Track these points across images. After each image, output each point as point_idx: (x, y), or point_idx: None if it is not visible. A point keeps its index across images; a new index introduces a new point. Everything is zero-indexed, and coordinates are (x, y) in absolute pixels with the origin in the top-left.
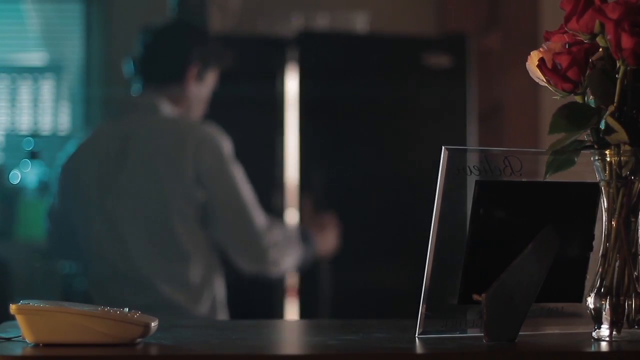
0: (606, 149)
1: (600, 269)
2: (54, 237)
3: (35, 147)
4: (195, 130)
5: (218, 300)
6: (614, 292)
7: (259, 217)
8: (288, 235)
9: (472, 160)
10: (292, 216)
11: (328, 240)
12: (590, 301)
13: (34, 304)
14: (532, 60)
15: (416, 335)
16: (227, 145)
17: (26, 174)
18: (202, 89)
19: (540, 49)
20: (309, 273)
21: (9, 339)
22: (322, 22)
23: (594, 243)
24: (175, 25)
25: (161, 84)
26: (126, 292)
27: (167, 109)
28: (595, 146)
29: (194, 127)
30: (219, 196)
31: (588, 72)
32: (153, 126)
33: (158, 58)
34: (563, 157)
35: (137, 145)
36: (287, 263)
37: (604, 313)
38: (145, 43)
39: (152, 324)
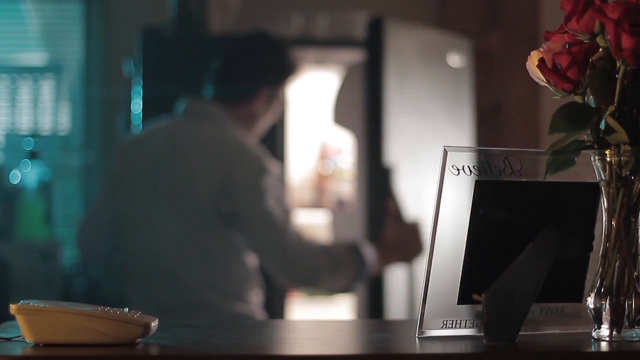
0: (606, 149)
1: (600, 269)
2: (87, 231)
3: (35, 147)
4: (243, 148)
5: (254, 303)
6: (614, 292)
7: (291, 239)
8: (335, 255)
9: (472, 160)
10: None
11: (413, 249)
12: (590, 301)
13: (34, 304)
14: (532, 60)
15: (416, 335)
16: (260, 164)
17: (26, 174)
18: (266, 113)
19: (540, 49)
20: None
21: (9, 339)
22: (322, 22)
23: (594, 243)
24: (260, 41)
25: (230, 102)
26: (162, 292)
27: (229, 123)
28: (595, 146)
29: (244, 145)
30: (246, 212)
31: (588, 72)
32: (207, 134)
33: (234, 77)
34: (563, 157)
35: (185, 148)
36: (341, 283)
37: (604, 313)
38: (225, 56)
39: (152, 324)
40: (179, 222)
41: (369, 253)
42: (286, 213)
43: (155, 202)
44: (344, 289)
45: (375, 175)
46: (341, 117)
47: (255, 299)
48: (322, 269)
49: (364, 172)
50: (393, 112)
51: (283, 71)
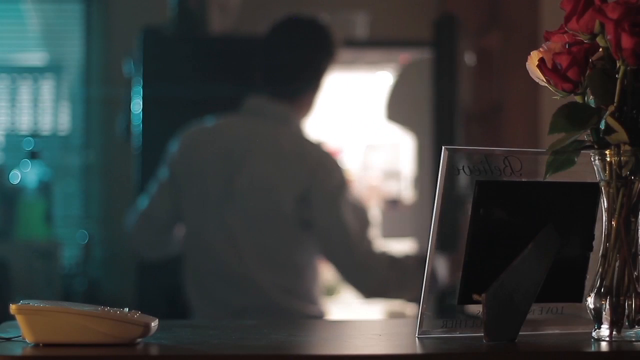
0: (606, 149)
1: (600, 269)
2: (143, 230)
3: (35, 147)
4: (316, 152)
5: (323, 304)
6: (614, 292)
7: (363, 252)
8: (405, 268)
9: (472, 160)
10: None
11: None
12: (590, 301)
13: (34, 304)
14: (532, 60)
15: (416, 335)
16: (341, 174)
17: (26, 174)
18: (319, 93)
19: (540, 49)
20: None
21: (9, 339)
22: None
23: (594, 243)
24: (308, 26)
25: (295, 95)
26: (232, 293)
27: (297, 122)
28: (595, 146)
29: (317, 149)
30: (323, 221)
31: (588, 72)
32: (281, 137)
33: (296, 69)
34: (563, 157)
35: (261, 151)
36: (411, 294)
37: (604, 313)
38: (279, 48)
39: (152, 324)
40: (254, 225)
41: (439, 265)
42: (363, 223)
43: (230, 203)
44: (414, 299)
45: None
46: (395, 114)
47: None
48: (391, 281)
49: (431, 171)
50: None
51: (331, 48)
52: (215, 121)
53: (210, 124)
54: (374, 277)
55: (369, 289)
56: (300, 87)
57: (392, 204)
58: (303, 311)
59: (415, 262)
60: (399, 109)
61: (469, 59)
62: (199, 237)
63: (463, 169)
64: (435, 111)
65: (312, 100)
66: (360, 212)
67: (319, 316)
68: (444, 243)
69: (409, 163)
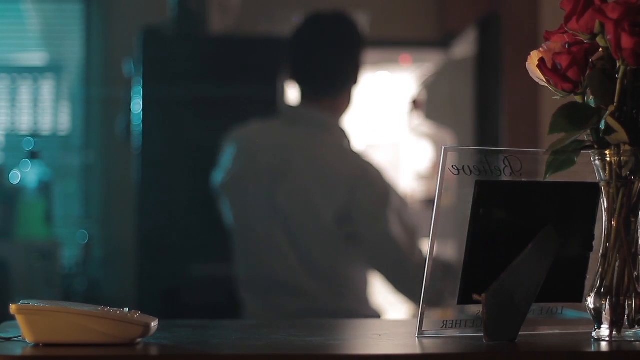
0: (606, 149)
1: (600, 269)
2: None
3: (35, 147)
4: (356, 164)
5: (366, 301)
6: (614, 292)
7: (413, 263)
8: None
9: (472, 160)
10: None
11: None
12: (590, 301)
13: (34, 304)
14: (532, 60)
15: (416, 335)
16: (383, 184)
17: (26, 174)
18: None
19: (540, 49)
20: None
21: (9, 339)
22: None
23: (594, 243)
24: (339, 24)
25: (334, 97)
26: (285, 299)
27: (338, 128)
28: (595, 146)
29: (357, 160)
30: (368, 235)
31: (588, 72)
32: (322, 146)
33: (332, 71)
34: (563, 157)
35: (302, 160)
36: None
37: (604, 313)
38: (314, 51)
39: (152, 324)
40: (298, 238)
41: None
42: (410, 231)
43: (273, 214)
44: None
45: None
46: (433, 113)
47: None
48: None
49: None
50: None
51: (361, 45)
52: (256, 129)
53: (253, 131)
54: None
55: (407, 289)
56: (340, 84)
57: (428, 204)
58: (357, 311)
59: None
60: (439, 107)
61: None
62: (249, 245)
63: (463, 169)
64: (477, 110)
65: (351, 94)
66: (408, 221)
67: (375, 316)
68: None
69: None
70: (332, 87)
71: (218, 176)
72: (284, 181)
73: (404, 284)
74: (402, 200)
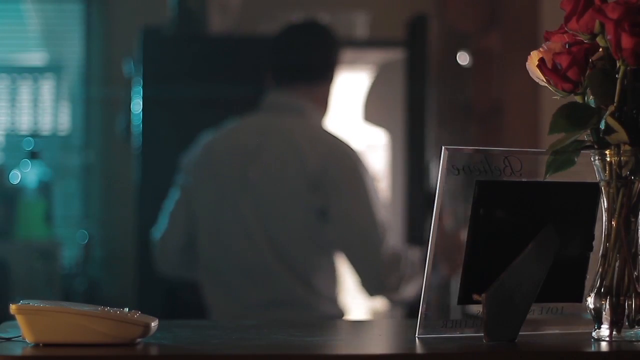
0: (606, 149)
1: (600, 269)
2: (168, 254)
3: (35, 147)
4: (334, 142)
5: (334, 299)
6: (614, 292)
7: (381, 243)
8: (413, 261)
9: (472, 160)
10: None
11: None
12: (590, 301)
13: (34, 304)
14: (532, 60)
15: (416, 335)
16: (357, 160)
17: (26, 174)
18: (333, 86)
19: (540, 49)
20: None
21: (9, 339)
22: (322, 22)
23: (594, 243)
24: (314, 25)
25: (310, 86)
26: (242, 285)
27: (314, 113)
28: (595, 146)
29: (334, 139)
30: (341, 213)
31: (588, 72)
32: (295, 129)
33: (308, 59)
34: (563, 157)
35: (275, 143)
36: (410, 291)
37: (604, 313)
38: (290, 43)
39: (152, 324)
40: (269, 217)
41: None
42: (379, 221)
43: (244, 195)
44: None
45: (416, 174)
46: (372, 114)
47: (341, 298)
48: (403, 280)
49: (401, 171)
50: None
51: (336, 42)
52: (233, 124)
53: (227, 126)
54: (393, 279)
55: (382, 289)
56: (316, 73)
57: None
58: (323, 309)
59: (416, 258)
60: (374, 109)
61: (463, 59)
62: (216, 235)
63: (463, 169)
64: (407, 111)
65: (327, 93)
66: (379, 211)
67: (339, 316)
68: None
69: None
70: (307, 75)
71: (180, 180)
72: (257, 160)
73: (369, 270)
74: (375, 189)
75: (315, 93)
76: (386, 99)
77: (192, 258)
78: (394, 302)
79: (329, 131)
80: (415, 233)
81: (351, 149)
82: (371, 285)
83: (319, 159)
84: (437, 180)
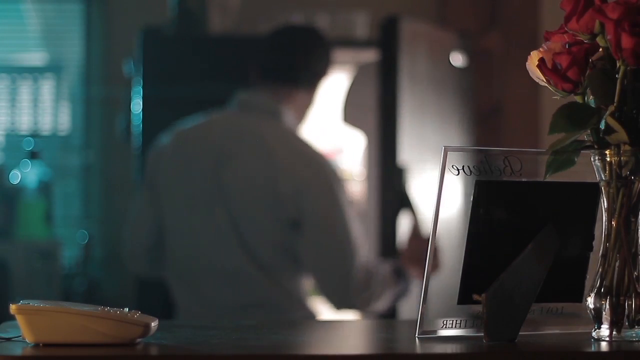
0: (606, 149)
1: (600, 269)
2: (138, 258)
3: (35, 147)
4: (307, 149)
5: (304, 301)
6: (614, 292)
7: (354, 259)
8: (385, 275)
9: (472, 160)
10: None
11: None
12: (590, 301)
13: (34, 304)
14: (532, 60)
15: (416, 335)
16: (333, 173)
17: (26, 174)
18: (314, 96)
19: (540, 49)
20: None
21: (9, 339)
22: (322, 22)
23: (594, 243)
24: (306, 30)
25: (290, 90)
26: (211, 287)
27: (289, 117)
28: (595, 146)
29: (307, 146)
30: (307, 219)
31: (588, 72)
32: (269, 132)
33: (295, 63)
34: (563, 157)
35: (249, 145)
36: (381, 305)
37: (604, 313)
38: (278, 45)
39: (152, 324)
40: (242, 222)
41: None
42: (352, 236)
43: (218, 199)
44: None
45: (389, 176)
46: (351, 116)
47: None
48: (374, 296)
49: (375, 173)
50: (404, 112)
51: (326, 57)
52: (204, 118)
53: (198, 121)
54: (362, 297)
55: (351, 305)
56: (292, 81)
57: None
58: (295, 312)
59: (390, 273)
60: (353, 111)
61: (457, 59)
62: (186, 235)
63: (463, 169)
64: (379, 113)
65: (306, 100)
66: (352, 223)
67: (310, 318)
68: None
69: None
70: (289, 78)
71: (146, 175)
72: (230, 165)
73: (338, 288)
74: (349, 205)
75: (294, 98)
76: (364, 100)
77: (160, 257)
78: (363, 313)
79: (304, 140)
80: (388, 233)
81: (326, 161)
82: (339, 301)
83: (293, 170)
84: (437, 180)
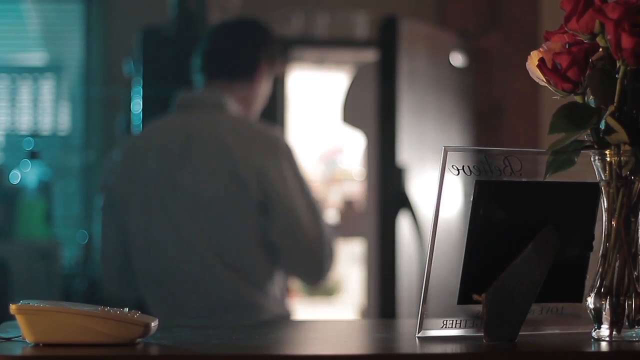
0: (606, 149)
1: (600, 269)
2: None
3: (35, 147)
4: (258, 132)
5: (279, 298)
6: (614, 292)
7: (315, 224)
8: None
9: (472, 160)
10: None
11: None
12: (590, 301)
13: (34, 304)
14: (532, 60)
15: (416, 335)
16: (289, 150)
17: (26, 174)
18: (265, 89)
19: (540, 49)
20: None
21: (9, 339)
22: (322, 22)
23: (594, 243)
24: (244, 22)
25: (229, 82)
26: (184, 293)
27: (233, 107)
28: (595, 146)
29: (258, 128)
30: (274, 200)
31: (588, 72)
32: (217, 124)
33: (229, 55)
34: (563, 157)
35: (200, 142)
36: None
37: (604, 313)
38: (214, 39)
39: (152, 324)
40: (204, 219)
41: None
42: (314, 204)
43: (176, 202)
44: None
45: (389, 176)
46: (351, 116)
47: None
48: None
49: (375, 173)
50: (404, 112)
51: (276, 46)
52: (152, 124)
53: (143, 130)
54: (326, 265)
55: (319, 276)
56: (227, 73)
57: (348, 206)
58: (270, 310)
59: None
60: (353, 111)
61: (456, 59)
62: (148, 244)
63: (463, 169)
64: (379, 113)
65: (247, 92)
66: (311, 194)
67: (286, 316)
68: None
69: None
70: (227, 71)
71: (103, 193)
72: (186, 163)
73: (312, 262)
74: (303, 174)
75: (233, 89)
76: (364, 100)
77: (133, 275)
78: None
79: (251, 122)
80: (388, 233)
81: (279, 137)
82: (315, 276)
83: (248, 155)
84: (437, 180)
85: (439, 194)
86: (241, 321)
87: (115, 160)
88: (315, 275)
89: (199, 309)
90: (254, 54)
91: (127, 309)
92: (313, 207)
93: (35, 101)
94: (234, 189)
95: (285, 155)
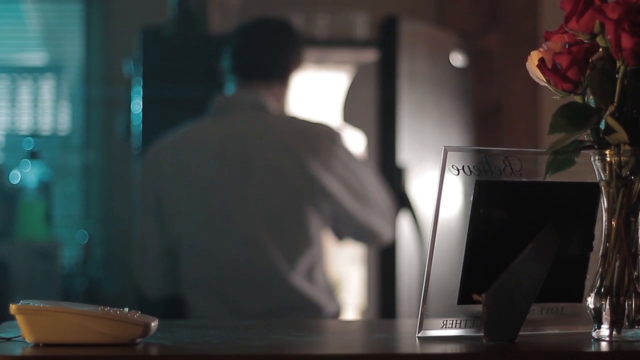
0: (606, 149)
1: (600, 269)
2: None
3: (35, 147)
4: (310, 127)
5: (333, 295)
6: (614, 292)
7: (383, 201)
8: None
9: (472, 160)
10: None
11: None
12: (590, 301)
13: (34, 304)
14: (532, 60)
15: (416, 335)
16: (341, 136)
17: (26, 174)
18: (289, 89)
19: (540, 49)
20: None
21: (9, 339)
22: (322, 22)
23: (594, 243)
24: (274, 22)
25: (266, 82)
26: (245, 296)
27: (273, 106)
28: (595, 146)
29: (307, 123)
30: (339, 191)
31: (588, 72)
32: (271, 124)
33: (264, 55)
34: (563, 157)
35: (258, 145)
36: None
37: (604, 313)
38: (245, 39)
39: (152, 324)
40: (273, 222)
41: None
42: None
43: (240, 208)
44: None
45: (389, 176)
46: (351, 116)
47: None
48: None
49: (375, 173)
50: (404, 112)
51: (302, 45)
52: (188, 129)
53: (182, 133)
54: (389, 238)
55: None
56: (267, 75)
57: None
58: (332, 308)
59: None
60: (353, 110)
61: (456, 59)
62: (207, 249)
63: (463, 169)
64: (379, 113)
65: (283, 93)
66: (372, 174)
67: (338, 313)
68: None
69: None
70: (264, 72)
71: (147, 197)
72: (247, 168)
73: (382, 224)
74: (356, 154)
75: (273, 91)
76: (364, 100)
77: (175, 275)
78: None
79: (299, 119)
80: None
81: (326, 127)
82: (387, 232)
83: (307, 151)
84: (437, 180)
85: (439, 194)
86: (307, 320)
87: (157, 167)
88: (377, 244)
89: (261, 312)
90: (288, 54)
91: (127, 309)
92: (378, 187)
93: (35, 101)
94: (300, 188)
95: (341, 142)
